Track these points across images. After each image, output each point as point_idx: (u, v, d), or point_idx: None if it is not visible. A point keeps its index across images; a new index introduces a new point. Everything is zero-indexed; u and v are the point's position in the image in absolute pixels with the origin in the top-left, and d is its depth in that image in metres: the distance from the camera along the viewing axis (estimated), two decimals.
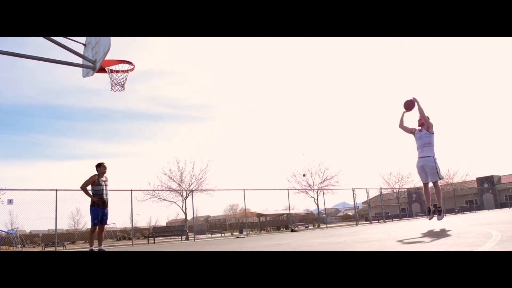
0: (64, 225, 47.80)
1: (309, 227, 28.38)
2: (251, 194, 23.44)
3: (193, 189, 24.18)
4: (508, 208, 38.63)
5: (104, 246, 7.99)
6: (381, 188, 29.03)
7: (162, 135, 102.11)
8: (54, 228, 14.44)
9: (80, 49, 7.19)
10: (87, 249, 7.76)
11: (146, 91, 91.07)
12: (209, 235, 26.16)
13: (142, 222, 51.44)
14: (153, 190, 24.05)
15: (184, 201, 25.06)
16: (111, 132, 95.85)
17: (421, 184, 7.54)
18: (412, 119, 7.20)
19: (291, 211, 26.95)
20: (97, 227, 7.49)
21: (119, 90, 7.34)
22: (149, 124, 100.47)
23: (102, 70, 7.11)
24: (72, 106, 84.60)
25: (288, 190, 22.31)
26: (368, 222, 28.49)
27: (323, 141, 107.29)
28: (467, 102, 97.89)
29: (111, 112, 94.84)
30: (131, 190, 16.07)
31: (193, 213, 20.20)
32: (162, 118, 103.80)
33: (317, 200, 28.80)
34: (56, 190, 13.70)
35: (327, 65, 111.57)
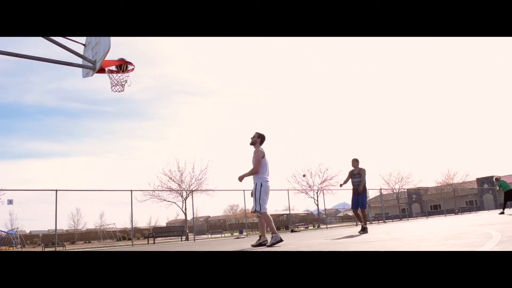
0: (64, 225, 47.93)
1: (309, 228, 28.39)
2: None
3: (193, 189, 24.17)
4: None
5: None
6: (381, 189, 29.00)
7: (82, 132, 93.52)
8: (54, 228, 14.45)
9: (80, 49, 7.20)
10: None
11: (45, 83, 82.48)
12: (209, 236, 26.18)
13: (142, 222, 51.50)
14: (153, 190, 24.06)
15: (184, 201, 25.05)
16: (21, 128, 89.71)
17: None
18: None
19: (291, 212, 26.94)
20: None
21: (120, 91, 7.35)
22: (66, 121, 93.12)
23: (102, 70, 7.12)
24: None
25: (288, 190, 22.27)
26: (368, 222, 28.48)
27: (323, 141, 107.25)
28: (467, 102, 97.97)
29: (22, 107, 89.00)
30: (131, 191, 16.06)
31: (193, 214, 20.19)
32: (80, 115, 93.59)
33: (317, 200, 28.84)
34: (56, 190, 13.72)
35: (328, 65, 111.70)
